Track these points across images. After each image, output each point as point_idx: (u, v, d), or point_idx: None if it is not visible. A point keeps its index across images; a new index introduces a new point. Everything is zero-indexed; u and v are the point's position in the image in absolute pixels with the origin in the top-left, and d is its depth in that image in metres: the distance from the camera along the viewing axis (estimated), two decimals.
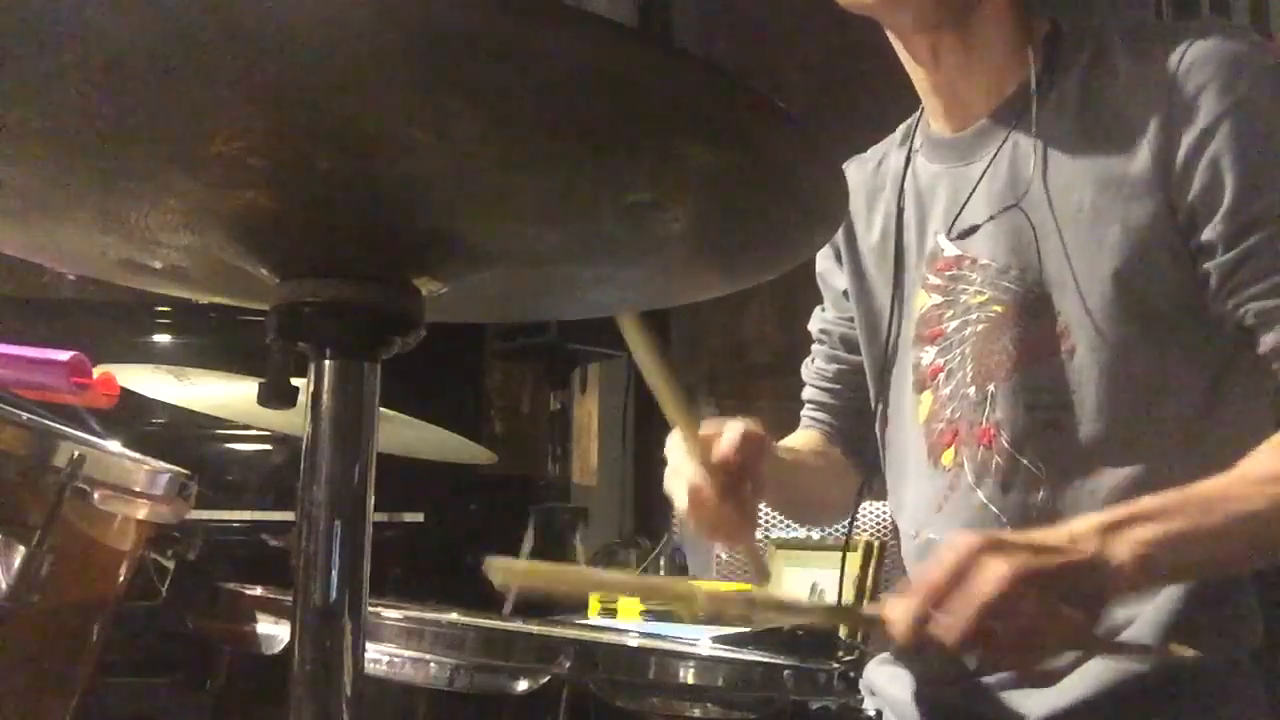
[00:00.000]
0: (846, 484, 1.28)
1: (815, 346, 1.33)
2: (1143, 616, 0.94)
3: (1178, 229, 0.95)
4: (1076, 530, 0.83)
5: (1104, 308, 0.97)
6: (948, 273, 1.10)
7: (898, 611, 0.80)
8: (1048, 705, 0.96)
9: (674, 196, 0.54)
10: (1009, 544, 0.81)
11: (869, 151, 1.27)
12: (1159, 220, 0.95)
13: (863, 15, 1.06)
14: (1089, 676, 0.95)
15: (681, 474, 1.01)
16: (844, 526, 2.05)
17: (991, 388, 1.04)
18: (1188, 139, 0.94)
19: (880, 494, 1.23)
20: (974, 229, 1.08)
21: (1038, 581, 0.78)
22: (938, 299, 1.11)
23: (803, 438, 1.30)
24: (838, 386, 1.29)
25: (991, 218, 1.06)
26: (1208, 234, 0.94)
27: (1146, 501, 0.86)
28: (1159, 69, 0.96)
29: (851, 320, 1.24)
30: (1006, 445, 1.02)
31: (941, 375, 1.10)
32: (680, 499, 1.01)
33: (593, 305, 0.80)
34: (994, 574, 0.78)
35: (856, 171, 1.25)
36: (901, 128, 1.23)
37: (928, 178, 1.15)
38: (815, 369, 1.32)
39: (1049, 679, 0.91)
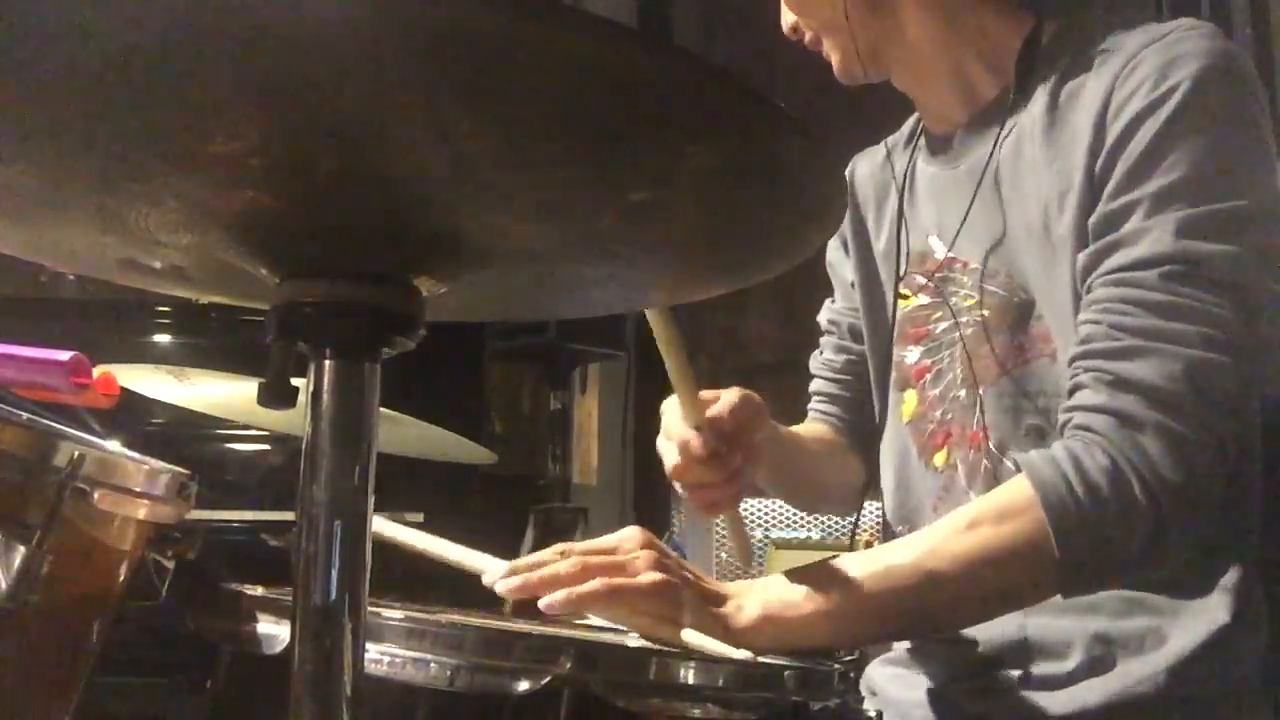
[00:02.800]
0: (848, 474, 1.28)
1: (824, 338, 1.33)
2: (1166, 646, 0.94)
3: None
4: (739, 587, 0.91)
5: (1071, 313, 0.96)
6: (938, 274, 1.10)
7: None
8: (1054, 709, 0.96)
9: (674, 196, 0.54)
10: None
11: (880, 145, 1.27)
12: (1084, 225, 0.94)
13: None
14: (1096, 685, 0.94)
15: (672, 433, 1.03)
16: (846, 526, 2.05)
17: (981, 391, 1.04)
18: (1113, 134, 0.92)
19: (879, 493, 1.23)
20: (960, 232, 1.08)
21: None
22: (925, 299, 1.12)
23: (809, 427, 1.31)
24: (846, 378, 1.29)
25: (975, 223, 1.06)
26: (1095, 217, 0.92)
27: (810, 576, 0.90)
28: (1108, 73, 0.95)
29: (859, 311, 1.24)
30: (994, 448, 1.03)
31: (929, 376, 1.10)
32: (669, 456, 1.03)
33: (593, 305, 0.80)
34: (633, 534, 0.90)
35: (867, 165, 1.26)
36: (909, 122, 1.23)
37: (924, 178, 1.16)
38: (823, 360, 1.32)
39: None
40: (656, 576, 0.85)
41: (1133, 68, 0.93)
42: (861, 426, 1.28)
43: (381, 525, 0.93)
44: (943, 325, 1.09)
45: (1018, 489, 0.87)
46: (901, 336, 1.14)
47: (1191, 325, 0.86)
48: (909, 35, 1.07)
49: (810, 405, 1.33)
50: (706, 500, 1.06)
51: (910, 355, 1.12)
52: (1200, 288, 0.87)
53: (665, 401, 1.06)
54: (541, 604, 0.80)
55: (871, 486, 1.24)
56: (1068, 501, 0.84)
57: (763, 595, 0.88)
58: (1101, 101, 0.94)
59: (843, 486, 1.30)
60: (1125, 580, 0.94)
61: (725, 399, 1.05)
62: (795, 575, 0.91)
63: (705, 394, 1.05)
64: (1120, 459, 0.85)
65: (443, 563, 0.96)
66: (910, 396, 1.12)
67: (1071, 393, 0.91)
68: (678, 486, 1.06)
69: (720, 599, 0.89)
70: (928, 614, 0.91)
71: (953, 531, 0.88)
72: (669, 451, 1.04)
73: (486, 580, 0.85)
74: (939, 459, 1.08)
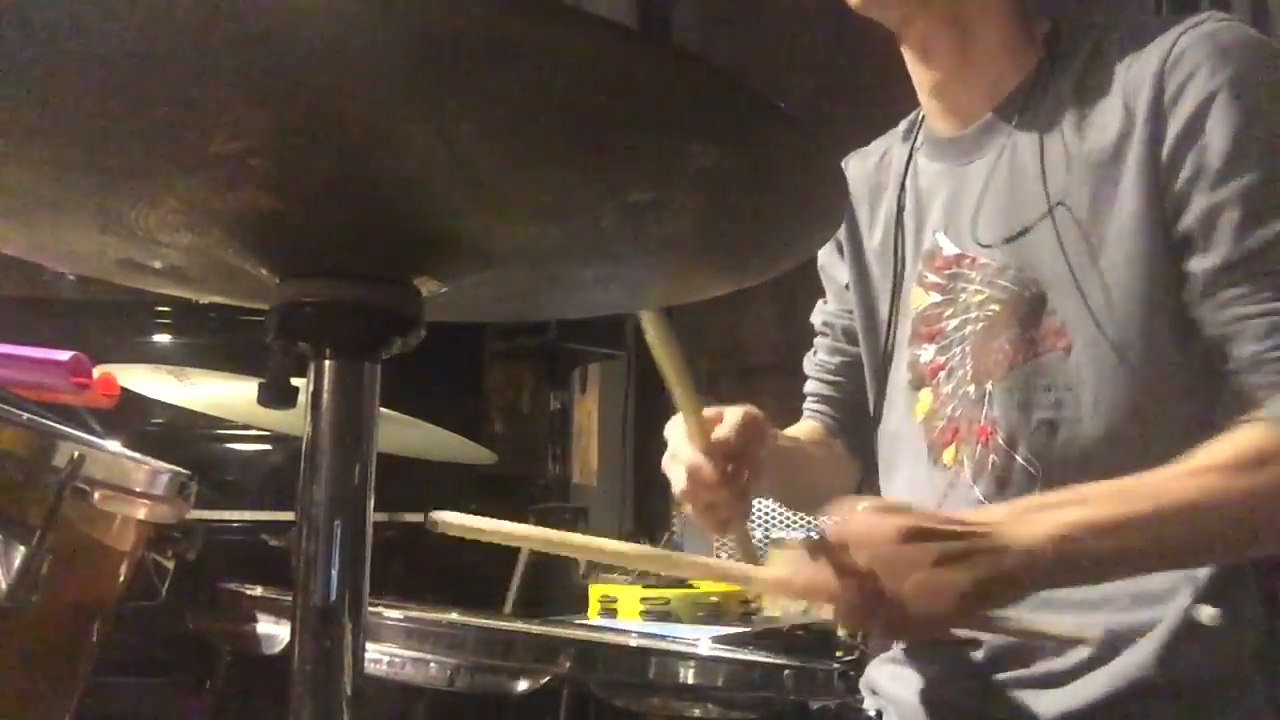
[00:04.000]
0: (847, 475, 1.28)
1: (818, 339, 1.33)
2: (1153, 631, 0.94)
3: (1165, 220, 0.94)
4: (991, 510, 0.83)
5: (1101, 305, 0.96)
6: (947, 271, 1.10)
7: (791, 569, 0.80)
8: (1055, 706, 0.96)
9: (674, 196, 0.54)
10: (905, 511, 0.82)
11: (871, 145, 1.27)
12: (1149, 214, 0.95)
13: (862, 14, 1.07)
14: (1097, 679, 0.95)
15: (680, 457, 1.02)
16: None
17: (989, 386, 1.04)
18: (1175, 125, 0.93)
19: (875, 493, 1.22)
20: (972, 228, 1.08)
21: (928, 538, 0.79)
22: (937, 297, 1.11)
23: (805, 428, 1.31)
24: (840, 379, 1.29)
25: (987, 218, 1.06)
26: (1188, 220, 0.93)
27: (1070, 490, 0.86)
28: (1150, 60, 0.96)
29: (853, 313, 1.24)
30: (1002, 443, 1.02)
31: (942, 373, 1.10)
32: (678, 480, 1.03)
33: (593, 305, 0.80)
34: (884, 527, 0.79)
35: (859, 166, 1.25)
36: (904, 122, 1.23)
37: (928, 177, 1.15)
38: (817, 361, 1.32)
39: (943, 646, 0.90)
40: (952, 603, 0.78)
41: (1179, 55, 0.94)
42: (855, 427, 1.28)
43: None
44: (953, 322, 1.09)
45: (1273, 437, 0.87)
46: (916, 335, 1.14)
47: None
48: None
49: (805, 405, 1.34)
50: (716, 520, 1.06)
51: (925, 354, 1.12)
52: None
53: (670, 422, 1.06)
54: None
55: (866, 486, 1.24)
56: None
57: (1044, 529, 0.82)
58: (1152, 89, 0.94)
59: (839, 488, 1.30)
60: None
61: (730, 419, 1.04)
62: (1052, 508, 0.85)
63: (709, 412, 1.05)
64: None
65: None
66: (925, 395, 1.12)
67: (1275, 374, 0.90)
68: (686, 508, 1.06)
69: (1004, 550, 0.81)
70: (1198, 552, 0.90)
71: (1220, 474, 0.86)
72: (677, 475, 1.03)
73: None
74: (947, 456, 1.08)
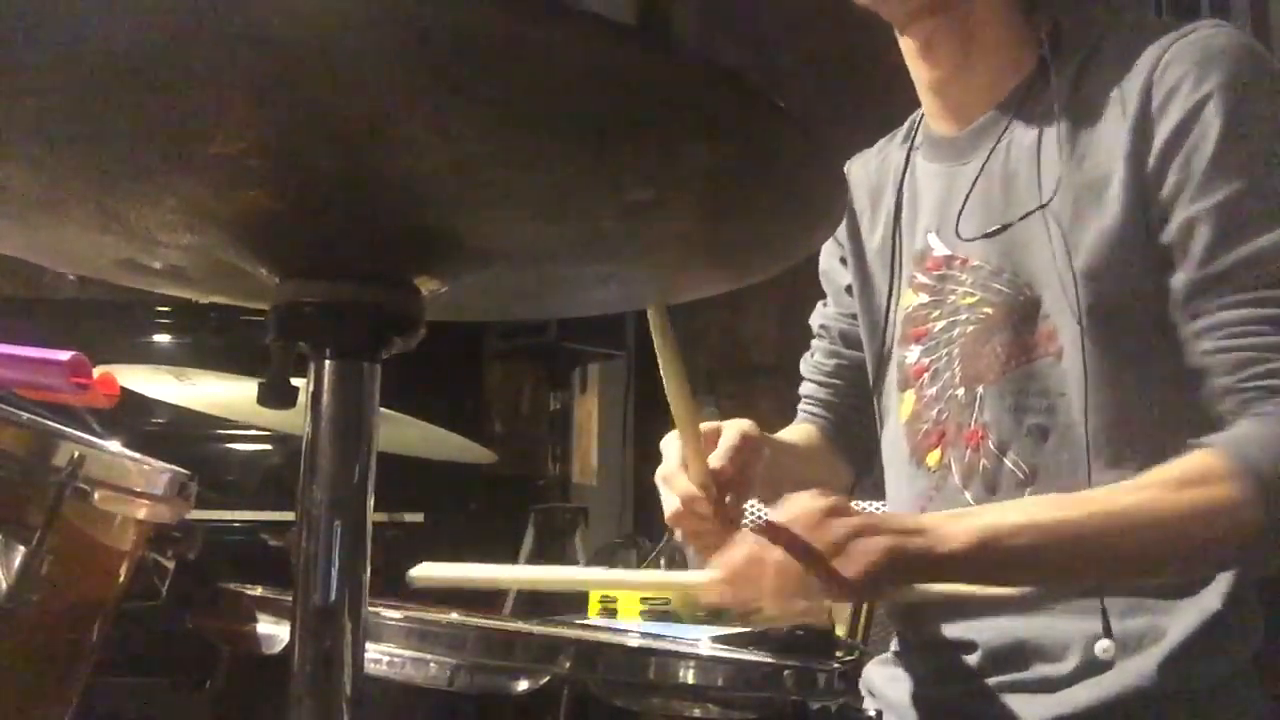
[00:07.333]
0: (838, 477, 1.28)
1: (815, 341, 1.33)
2: (1158, 644, 0.94)
3: (1149, 229, 0.94)
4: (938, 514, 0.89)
5: (1084, 311, 0.96)
6: (936, 272, 1.10)
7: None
8: (1050, 711, 0.96)
9: (674, 195, 0.54)
10: (839, 499, 0.87)
11: (873, 148, 1.27)
12: (1129, 221, 0.94)
13: (864, 8, 1.06)
14: (1093, 685, 0.94)
15: (673, 483, 1.01)
16: None
17: (980, 390, 1.03)
18: (1160, 137, 0.92)
19: (878, 494, 1.22)
20: (958, 225, 1.07)
21: (849, 514, 0.86)
22: (924, 298, 1.11)
23: (798, 430, 1.31)
24: (837, 382, 1.29)
25: (981, 220, 1.06)
26: (1169, 232, 0.92)
27: (1016, 501, 0.91)
28: (1140, 71, 0.95)
29: (852, 316, 1.24)
30: (992, 448, 1.02)
31: (926, 375, 1.10)
32: (669, 504, 1.01)
33: (593, 305, 0.80)
34: (813, 505, 0.86)
35: (861, 168, 1.25)
36: (906, 124, 1.22)
37: (924, 178, 1.15)
38: (814, 363, 1.32)
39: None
40: (869, 559, 0.83)
41: (1167, 64, 0.93)
42: (849, 429, 1.28)
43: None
44: (940, 324, 1.09)
45: (1220, 458, 0.87)
46: (904, 337, 1.14)
47: None
48: None
49: (800, 406, 1.33)
50: (705, 544, 1.05)
51: (911, 355, 1.12)
52: None
53: (666, 438, 1.04)
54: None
55: (858, 489, 1.24)
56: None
57: (970, 522, 0.86)
58: (1139, 98, 0.94)
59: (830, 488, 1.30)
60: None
61: (725, 441, 1.02)
62: (992, 509, 0.90)
63: (706, 428, 1.03)
64: None
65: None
66: (909, 397, 1.12)
67: (1241, 404, 0.90)
68: (678, 533, 1.05)
69: (921, 531, 0.86)
70: (1130, 562, 0.90)
71: (1161, 488, 0.87)
72: (668, 497, 1.02)
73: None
74: (932, 459, 1.08)
